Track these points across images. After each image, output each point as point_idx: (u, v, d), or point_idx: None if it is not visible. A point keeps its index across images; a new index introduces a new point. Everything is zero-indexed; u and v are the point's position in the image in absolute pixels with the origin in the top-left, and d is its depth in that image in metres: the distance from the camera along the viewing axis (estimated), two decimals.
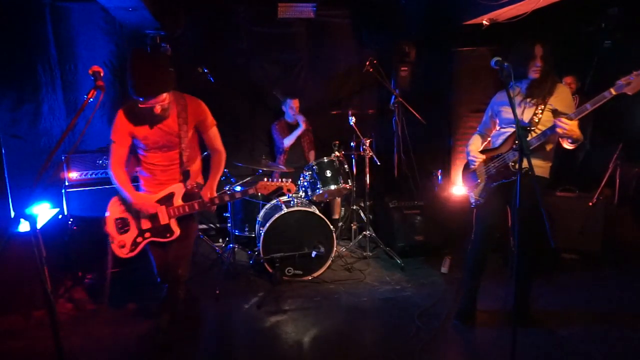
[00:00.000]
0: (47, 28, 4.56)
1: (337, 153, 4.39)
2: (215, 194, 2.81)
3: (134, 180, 2.88)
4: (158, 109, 2.53)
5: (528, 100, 2.88)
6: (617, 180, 4.54)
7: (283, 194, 4.40)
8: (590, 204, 4.29)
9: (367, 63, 4.87)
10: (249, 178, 4.40)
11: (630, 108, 4.81)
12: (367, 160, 4.55)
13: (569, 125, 2.59)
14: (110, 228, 2.81)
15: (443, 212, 4.78)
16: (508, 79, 2.43)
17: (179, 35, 4.90)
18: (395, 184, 5.34)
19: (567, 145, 2.80)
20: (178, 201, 2.76)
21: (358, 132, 4.47)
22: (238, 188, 4.48)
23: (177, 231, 2.75)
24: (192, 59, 4.83)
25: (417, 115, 4.78)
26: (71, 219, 3.99)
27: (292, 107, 4.91)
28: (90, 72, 2.12)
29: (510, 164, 2.87)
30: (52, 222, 3.90)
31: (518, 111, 2.91)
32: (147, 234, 2.77)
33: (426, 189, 5.12)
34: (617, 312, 3.37)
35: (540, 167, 2.88)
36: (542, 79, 2.80)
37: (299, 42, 5.38)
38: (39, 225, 1.88)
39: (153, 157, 2.75)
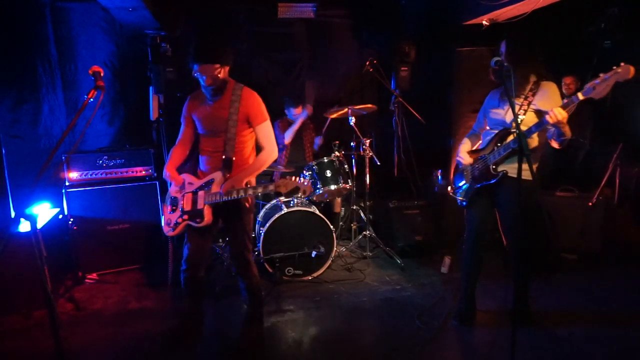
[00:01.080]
0: (47, 28, 4.56)
1: (337, 153, 4.40)
2: (240, 185, 2.74)
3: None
4: (209, 80, 2.62)
5: (510, 99, 2.86)
6: (617, 180, 4.54)
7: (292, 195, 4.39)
8: (590, 204, 4.29)
9: (367, 63, 4.87)
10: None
11: (630, 108, 4.82)
12: (367, 160, 4.55)
13: (561, 115, 2.49)
14: (165, 205, 2.94)
15: (443, 212, 4.78)
16: (508, 79, 2.43)
17: (179, 35, 4.90)
18: (395, 184, 5.34)
19: (555, 144, 2.77)
20: (216, 188, 2.78)
21: (358, 132, 4.47)
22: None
23: (207, 218, 2.75)
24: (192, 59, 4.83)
25: (417, 115, 4.79)
26: (71, 219, 4.00)
27: (294, 115, 4.92)
28: (90, 72, 2.13)
29: (491, 166, 2.87)
30: (52, 222, 3.90)
31: (502, 112, 2.90)
32: (186, 216, 2.82)
33: (426, 189, 5.12)
34: (617, 312, 3.37)
35: (524, 169, 2.83)
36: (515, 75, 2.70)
37: (299, 42, 5.38)
38: (39, 225, 1.89)
39: (203, 142, 2.88)
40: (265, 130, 2.90)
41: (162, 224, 2.93)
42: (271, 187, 2.77)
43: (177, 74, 4.30)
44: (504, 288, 3.48)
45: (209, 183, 2.80)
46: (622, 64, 2.30)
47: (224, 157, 2.79)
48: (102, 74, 2.10)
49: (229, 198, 2.70)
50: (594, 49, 4.87)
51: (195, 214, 2.78)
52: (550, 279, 3.88)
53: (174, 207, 2.88)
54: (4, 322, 3.26)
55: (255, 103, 2.85)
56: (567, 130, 2.61)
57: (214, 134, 2.80)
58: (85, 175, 4.10)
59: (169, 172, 2.89)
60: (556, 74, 3.48)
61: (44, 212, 3.93)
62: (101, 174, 4.15)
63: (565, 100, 2.54)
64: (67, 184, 4.04)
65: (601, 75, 2.36)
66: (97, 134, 4.78)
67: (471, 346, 3.04)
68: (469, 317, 3.17)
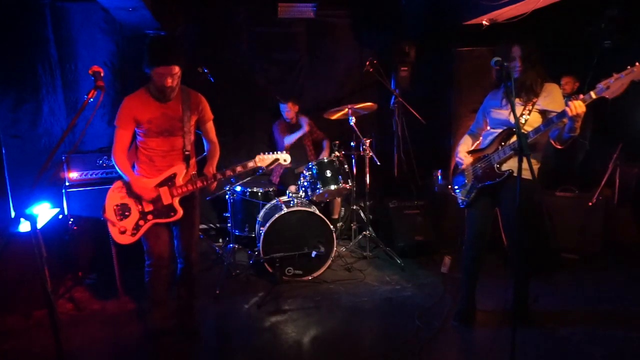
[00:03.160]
0: (47, 28, 4.56)
1: (337, 153, 4.40)
2: (214, 171, 2.98)
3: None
4: (169, 80, 2.66)
5: (515, 100, 2.86)
6: (617, 180, 4.54)
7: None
8: (590, 204, 4.29)
9: (367, 63, 4.87)
10: (248, 178, 4.40)
11: (630, 108, 4.82)
12: (367, 160, 4.55)
13: (581, 108, 2.47)
14: (110, 214, 2.83)
15: (443, 212, 4.78)
16: (508, 79, 2.43)
17: (179, 35, 4.90)
18: (395, 184, 5.34)
19: (557, 145, 2.78)
20: (179, 181, 2.86)
21: (358, 132, 4.47)
22: (238, 188, 4.49)
23: (180, 210, 2.84)
24: (192, 59, 4.83)
25: (417, 115, 4.78)
26: (71, 219, 4.00)
27: (287, 111, 4.92)
28: (90, 72, 2.13)
29: (496, 165, 2.88)
30: (52, 222, 3.90)
31: (505, 112, 2.90)
32: (150, 216, 2.84)
33: (426, 189, 5.12)
34: (617, 312, 3.37)
35: (525, 168, 2.85)
36: (523, 79, 2.79)
37: (299, 42, 5.38)
38: (39, 225, 1.88)
39: (153, 142, 2.83)
40: (212, 126, 3.08)
41: (114, 237, 2.83)
42: (251, 164, 2.99)
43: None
44: (504, 288, 3.48)
45: (171, 178, 2.86)
46: (637, 63, 2.29)
47: (186, 153, 2.88)
48: (102, 74, 2.10)
49: (203, 184, 2.88)
50: (594, 49, 4.87)
51: (165, 210, 2.84)
52: (550, 279, 3.88)
53: (125, 214, 2.84)
54: (4, 322, 3.25)
55: (203, 101, 2.98)
56: (579, 125, 2.61)
57: (171, 133, 2.84)
58: (85, 175, 4.10)
59: (135, 182, 2.84)
60: (556, 74, 3.48)
61: (44, 212, 3.93)
62: (101, 174, 4.14)
63: (581, 96, 2.53)
64: (67, 184, 4.04)
65: (615, 74, 2.35)
66: (97, 134, 4.77)
67: (471, 346, 3.05)
68: (469, 317, 3.17)
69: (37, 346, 2.99)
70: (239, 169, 2.99)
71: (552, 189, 4.55)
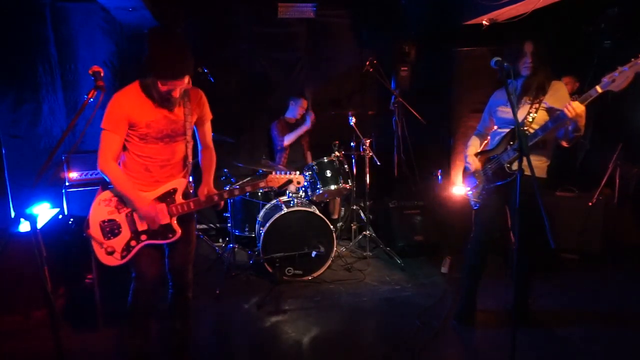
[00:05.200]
0: (47, 28, 4.56)
1: (337, 153, 4.40)
2: (214, 191, 2.55)
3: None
4: (177, 92, 2.28)
5: (523, 99, 2.87)
6: (617, 180, 4.53)
7: (284, 192, 4.41)
8: (590, 204, 4.29)
9: (367, 63, 4.87)
10: (248, 178, 4.41)
11: (630, 108, 4.81)
12: (367, 160, 4.55)
13: (579, 108, 2.49)
14: (95, 232, 2.39)
15: (443, 212, 4.78)
16: (508, 79, 2.43)
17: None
18: (395, 184, 5.34)
19: (564, 143, 2.78)
20: (180, 198, 2.46)
21: (358, 132, 4.47)
22: None
23: (178, 231, 2.43)
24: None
25: (417, 115, 4.78)
26: (71, 219, 3.99)
27: (301, 107, 4.93)
28: (90, 72, 2.11)
29: (506, 165, 2.87)
30: (52, 222, 3.89)
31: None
32: (144, 236, 2.41)
33: (426, 189, 5.12)
34: (617, 312, 3.37)
35: (537, 167, 2.84)
36: (533, 76, 2.79)
37: (299, 42, 5.38)
38: (39, 225, 1.88)
39: (152, 149, 2.40)
40: (210, 128, 2.68)
41: (99, 257, 2.39)
42: (262, 184, 2.61)
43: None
44: (504, 288, 3.49)
45: (171, 194, 2.45)
46: (639, 54, 2.29)
47: (190, 161, 2.52)
48: (102, 74, 2.09)
49: (207, 205, 2.48)
50: (594, 49, 4.87)
51: (162, 230, 2.42)
52: (550, 279, 3.88)
53: (114, 232, 2.40)
54: (4, 322, 3.25)
55: (205, 100, 2.59)
56: (582, 124, 2.61)
57: (172, 139, 2.43)
58: (85, 175, 4.10)
59: (142, 205, 2.40)
60: (556, 74, 3.47)
61: (44, 212, 3.93)
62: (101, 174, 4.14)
63: (583, 95, 2.53)
64: (67, 184, 4.04)
65: (619, 67, 2.35)
66: (97, 134, 4.66)
67: (471, 346, 3.04)
68: (469, 317, 3.16)
69: (37, 346, 2.99)
70: (248, 188, 2.61)
71: (552, 189, 4.55)
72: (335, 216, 5.04)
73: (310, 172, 4.37)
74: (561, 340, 2.96)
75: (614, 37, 4.77)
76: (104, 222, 2.40)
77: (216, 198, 2.50)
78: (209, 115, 2.64)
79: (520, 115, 2.84)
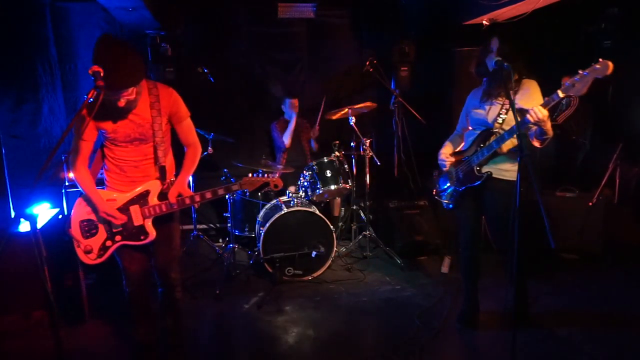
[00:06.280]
0: (47, 28, 4.57)
1: (337, 153, 4.40)
2: (188, 192, 2.54)
3: (99, 182, 2.61)
4: (122, 102, 2.25)
5: (493, 99, 2.82)
6: (617, 180, 4.53)
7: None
8: (590, 204, 4.29)
9: (367, 63, 4.88)
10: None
11: (631, 108, 4.81)
12: (367, 160, 4.55)
13: (542, 113, 2.44)
14: (75, 231, 2.49)
15: (443, 212, 4.77)
16: (508, 79, 2.42)
17: (179, 35, 4.90)
18: (395, 184, 5.34)
19: (536, 143, 2.70)
20: (154, 200, 2.50)
21: (358, 132, 4.47)
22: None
23: (152, 233, 2.48)
24: (192, 59, 4.84)
25: (417, 115, 4.78)
26: None
27: (292, 106, 4.93)
28: (90, 72, 2.09)
29: (475, 168, 2.82)
30: (52, 222, 3.89)
31: (483, 112, 2.85)
32: (118, 237, 2.49)
33: (426, 189, 5.12)
34: (617, 312, 3.37)
35: (509, 170, 2.78)
36: (497, 74, 2.67)
37: (299, 42, 5.38)
38: (39, 225, 1.88)
39: (123, 152, 2.46)
40: (191, 125, 2.64)
41: (78, 255, 2.48)
42: (235, 187, 2.63)
43: (177, 74, 4.30)
44: (504, 288, 3.48)
45: (144, 195, 2.49)
46: (600, 59, 2.24)
47: (159, 164, 2.51)
48: (102, 74, 2.09)
49: (179, 207, 2.50)
50: (594, 49, 4.87)
51: (135, 231, 2.48)
52: (550, 279, 3.88)
53: (92, 231, 2.49)
54: (4, 322, 3.25)
55: (176, 98, 2.53)
56: (549, 128, 2.55)
57: (141, 142, 2.45)
58: None
59: (102, 206, 2.47)
60: (556, 74, 3.47)
61: (44, 212, 3.93)
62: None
63: (546, 98, 2.49)
64: (67, 184, 4.03)
65: (580, 71, 2.30)
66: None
67: (471, 346, 3.04)
68: (473, 319, 3.14)
69: (37, 346, 2.99)
70: (220, 192, 2.57)
71: (552, 189, 4.55)
72: (336, 214, 5.02)
73: (310, 172, 4.37)
74: (561, 340, 2.96)
75: (614, 37, 4.77)
76: (82, 221, 2.50)
77: (188, 201, 2.52)
78: (185, 113, 2.58)
79: (491, 116, 2.79)
